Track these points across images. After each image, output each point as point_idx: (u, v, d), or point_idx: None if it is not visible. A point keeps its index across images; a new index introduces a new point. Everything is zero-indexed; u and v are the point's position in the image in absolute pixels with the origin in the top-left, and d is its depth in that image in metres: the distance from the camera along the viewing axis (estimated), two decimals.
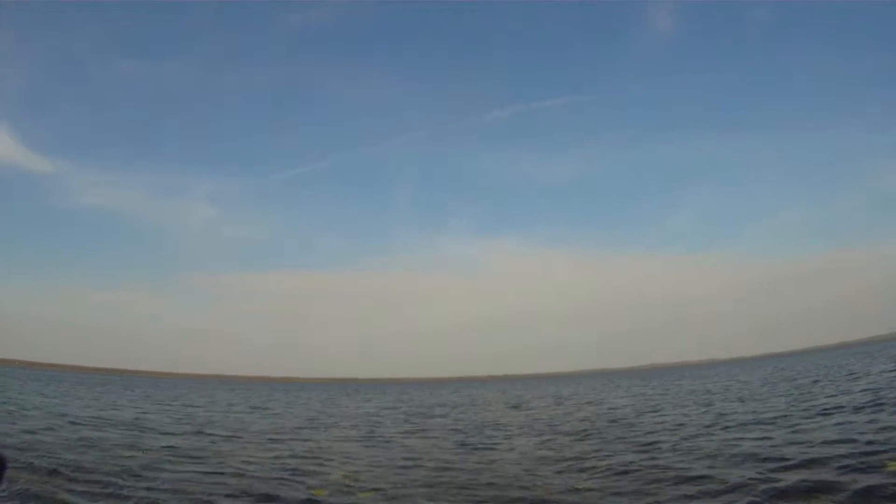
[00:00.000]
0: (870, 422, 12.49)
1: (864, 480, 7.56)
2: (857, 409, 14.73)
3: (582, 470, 10.12)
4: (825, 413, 14.82)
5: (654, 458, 10.69)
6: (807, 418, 14.27)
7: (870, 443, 9.98)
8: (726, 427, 14.32)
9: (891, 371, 27.63)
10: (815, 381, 27.62)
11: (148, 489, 8.79)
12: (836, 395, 19.25)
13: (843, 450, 9.64)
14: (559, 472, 9.97)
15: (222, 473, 10.31)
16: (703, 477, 8.71)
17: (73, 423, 18.19)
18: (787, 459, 9.42)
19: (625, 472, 9.52)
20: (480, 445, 14.19)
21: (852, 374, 29.32)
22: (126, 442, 14.19)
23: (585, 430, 16.31)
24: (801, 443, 10.94)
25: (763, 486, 7.78)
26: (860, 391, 19.53)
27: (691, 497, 7.73)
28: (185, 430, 18.04)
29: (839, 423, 12.76)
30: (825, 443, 10.60)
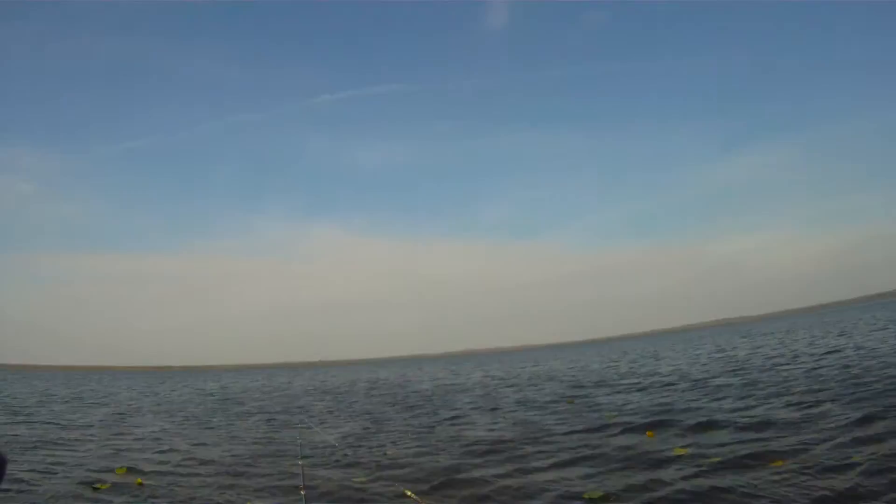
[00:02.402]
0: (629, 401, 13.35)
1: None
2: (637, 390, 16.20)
3: (359, 458, 9.59)
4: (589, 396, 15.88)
5: (434, 446, 10.46)
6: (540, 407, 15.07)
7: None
8: (495, 410, 15.19)
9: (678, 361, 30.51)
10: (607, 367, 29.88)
11: None
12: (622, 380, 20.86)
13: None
14: (341, 461, 9.45)
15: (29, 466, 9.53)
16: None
17: None
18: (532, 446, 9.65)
19: (403, 464, 9.03)
20: (275, 433, 13.49)
21: (659, 358, 32.24)
22: None
23: (378, 414, 16.20)
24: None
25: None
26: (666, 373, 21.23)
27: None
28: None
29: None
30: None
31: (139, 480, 8.25)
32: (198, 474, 8.73)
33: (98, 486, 7.97)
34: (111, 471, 9.11)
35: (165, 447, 11.66)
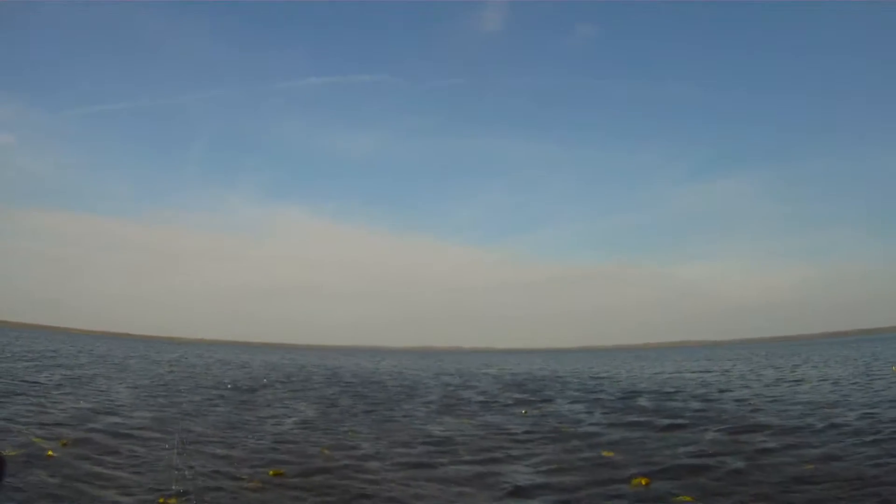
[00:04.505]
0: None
1: None
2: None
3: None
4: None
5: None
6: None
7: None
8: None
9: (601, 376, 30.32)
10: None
11: None
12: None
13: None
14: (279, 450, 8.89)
15: None
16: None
17: None
18: None
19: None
20: (212, 411, 12.84)
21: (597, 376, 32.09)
22: None
23: (335, 403, 15.48)
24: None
25: None
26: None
27: None
28: None
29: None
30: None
31: (50, 452, 7.90)
32: (117, 450, 8.23)
33: (8, 452, 7.47)
34: (33, 437, 8.68)
35: (101, 416, 11.15)
